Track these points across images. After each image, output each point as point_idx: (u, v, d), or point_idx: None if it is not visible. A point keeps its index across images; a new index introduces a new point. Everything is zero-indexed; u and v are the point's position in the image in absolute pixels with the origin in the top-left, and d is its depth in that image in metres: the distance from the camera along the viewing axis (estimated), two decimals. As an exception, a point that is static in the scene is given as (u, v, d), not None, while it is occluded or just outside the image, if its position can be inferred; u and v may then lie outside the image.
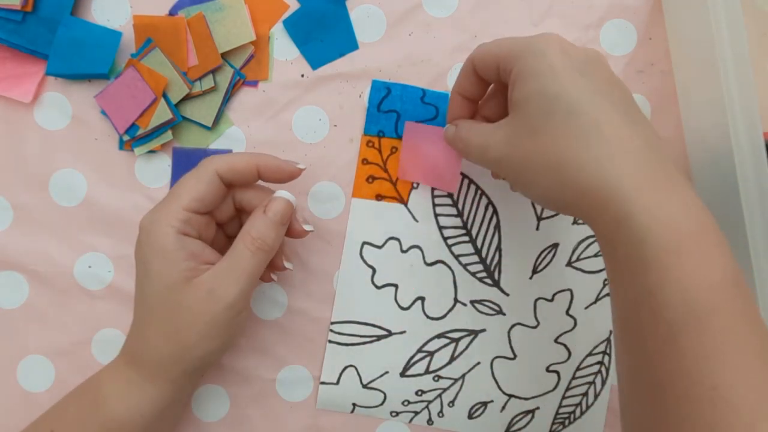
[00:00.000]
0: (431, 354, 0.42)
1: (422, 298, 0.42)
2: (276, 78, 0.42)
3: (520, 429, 0.43)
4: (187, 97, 0.40)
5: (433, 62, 0.42)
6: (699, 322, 0.25)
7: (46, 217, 0.41)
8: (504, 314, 0.42)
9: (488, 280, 0.42)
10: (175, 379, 0.34)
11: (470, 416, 0.42)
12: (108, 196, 0.41)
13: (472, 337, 0.42)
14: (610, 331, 0.42)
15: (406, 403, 0.42)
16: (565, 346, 0.42)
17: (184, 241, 0.33)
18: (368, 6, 0.42)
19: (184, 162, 0.41)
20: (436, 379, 0.42)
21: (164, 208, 0.34)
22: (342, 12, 0.41)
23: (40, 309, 0.42)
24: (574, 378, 0.42)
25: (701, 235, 0.26)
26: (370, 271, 0.42)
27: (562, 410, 0.43)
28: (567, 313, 0.42)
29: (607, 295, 0.42)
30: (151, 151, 0.41)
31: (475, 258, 0.42)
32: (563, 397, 0.42)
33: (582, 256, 0.42)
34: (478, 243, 0.42)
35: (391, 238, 0.42)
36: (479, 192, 0.42)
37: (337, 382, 0.42)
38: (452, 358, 0.42)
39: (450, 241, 0.42)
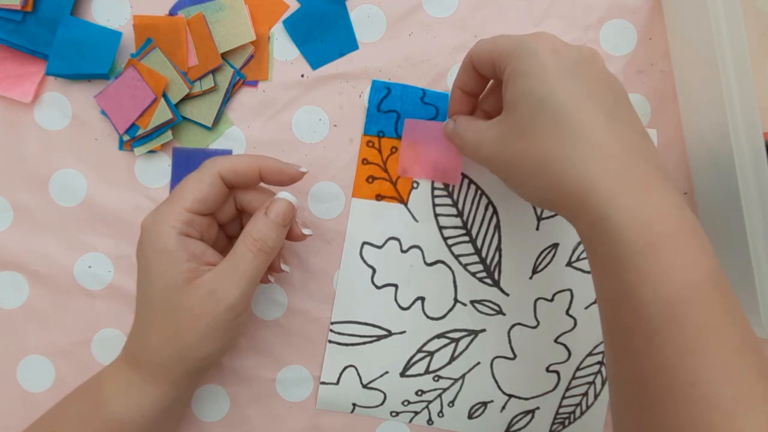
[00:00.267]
0: (431, 354, 0.42)
1: (422, 298, 0.42)
2: (276, 78, 0.42)
3: (520, 429, 0.43)
4: (187, 97, 0.40)
5: (433, 62, 0.42)
6: (675, 320, 0.26)
7: (46, 217, 0.41)
8: (504, 314, 0.42)
9: (488, 280, 0.42)
10: (177, 380, 0.34)
11: (470, 416, 0.42)
12: (108, 196, 0.41)
13: (472, 337, 0.42)
14: (610, 331, 0.42)
15: (406, 403, 0.42)
16: (565, 346, 0.42)
17: (185, 242, 0.34)
18: (368, 6, 0.42)
19: (184, 162, 0.41)
20: (436, 379, 0.42)
21: (166, 209, 0.34)
22: (342, 12, 0.41)
23: (40, 309, 0.42)
24: (574, 378, 0.42)
25: (678, 236, 0.27)
26: (370, 271, 0.42)
27: (562, 410, 0.43)
28: (567, 313, 0.42)
29: (607, 295, 0.42)
30: (151, 151, 0.41)
31: (475, 258, 0.42)
32: (563, 397, 0.42)
33: (582, 256, 0.42)
34: (478, 243, 0.42)
35: (391, 238, 0.42)
36: (479, 192, 0.42)
37: (337, 382, 0.42)
38: (452, 358, 0.42)
39: (450, 241, 0.42)
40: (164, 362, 0.34)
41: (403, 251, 0.42)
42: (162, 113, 0.39)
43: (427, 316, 0.42)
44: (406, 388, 0.42)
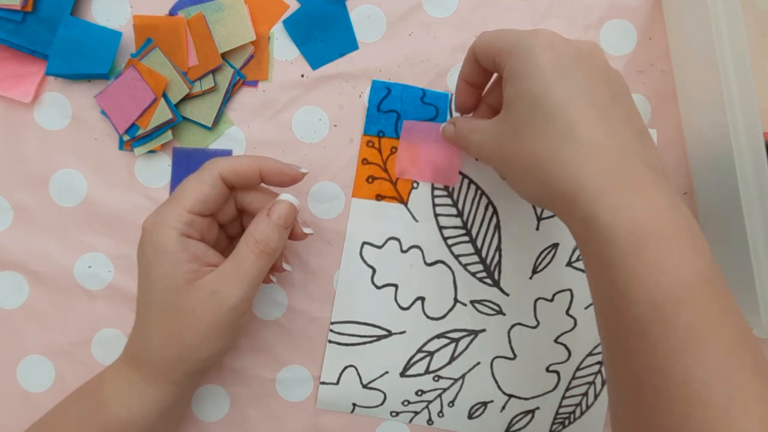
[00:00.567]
0: (431, 354, 0.42)
1: (422, 298, 0.42)
2: (276, 78, 0.42)
3: (520, 429, 0.43)
4: (187, 97, 0.40)
5: (433, 62, 0.42)
6: (666, 319, 0.26)
7: (46, 217, 0.41)
8: (504, 314, 0.42)
9: (488, 280, 0.42)
10: (178, 381, 0.34)
11: (470, 416, 0.42)
12: (108, 196, 0.41)
13: (472, 337, 0.42)
14: (610, 331, 0.42)
15: (406, 403, 0.42)
16: (565, 346, 0.42)
17: (186, 243, 0.34)
18: (368, 6, 0.42)
19: (184, 162, 0.41)
20: (436, 379, 0.42)
21: (167, 210, 0.34)
22: (342, 12, 0.41)
23: (40, 309, 0.42)
24: (574, 378, 0.42)
25: (668, 235, 0.27)
26: (370, 271, 0.42)
27: (562, 410, 0.43)
28: (567, 313, 0.42)
29: (607, 295, 0.42)
30: (151, 151, 0.41)
31: (475, 258, 0.42)
32: (563, 397, 0.42)
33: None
34: (478, 243, 0.42)
35: (391, 238, 0.42)
36: (479, 192, 0.42)
37: (337, 382, 0.42)
38: (452, 358, 0.42)
39: (450, 241, 0.42)
40: (165, 363, 0.34)
41: (403, 251, 0.42)
42: (162, 113, 0.39)
43: (427, 316, 0.42)
44: (406, 388, 0.42)
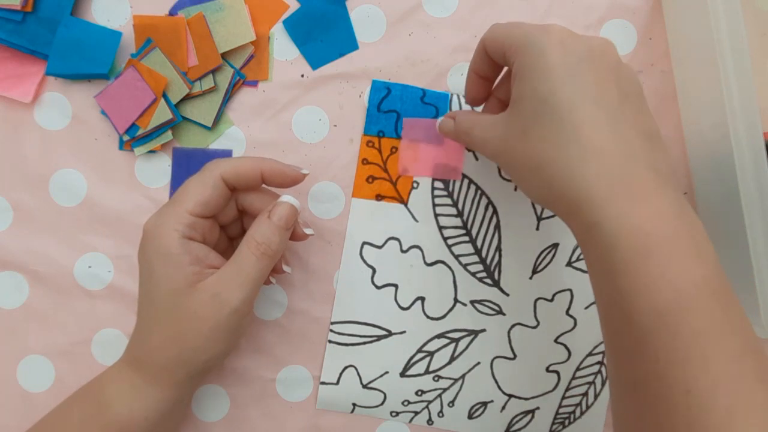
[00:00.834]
0: (431, 354, 0.42)
1: (422, 298, 0.42)
2: (276, 78, 0.42)
3: (520, 429, 0.43)
4: (187, 97, 0.40)
5: (433, 62, 0.42)
6: (668, 327, 0.26)
7: (46, 217, 0.41)
8: (504, 314, 0.42)
9: (488, 280, 0.42)
10: (179, 382, 0.34)
11: (470, 416, 0.42)
12: (108, 196, 0.41)
13: (472, 337, 0.42)
14: (610, 331, 0.42)
15: (406, 403, 0.42)
16: (565, 346, 0.42)
17: (188, 245, 0.34)
18: (368, 6, 0.42)
19: (184, 162, 0.41)
20: (436, 379, 0.42)
21: (169, 212, 0.34)
22: (342, 12, 0.41)
23: (40, 309, 0.42)
24: (574, 378, 0.42)
25: (671, 243, 0.27)
26: (370, 271, 0.42)
27: (562, 410, 0.43)
28: (567, 313, 0.42)
29: (607, 295, 0.42)
30: (151, 151, 0.41)
31: (475, 258, 0.42)
32: (563, 397, 0.42)
33: (582, 257, 0.42)
34: (478, 243, 0.42)
35: (391, 238, 0.42)
36: (479, 192, 0.42)
37: (337, 382, 0.42)
38: (452, 358, 0.42)
39: (450, 241, 0.42)
40: (167, 364, 0.34)
41: (403, 251, 0.42)
42: (162, 113, 0.39)
43: (427, 316, 0.42)
44: (406, 388, 0.42)
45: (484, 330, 0.42)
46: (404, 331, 0.42)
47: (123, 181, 0.41)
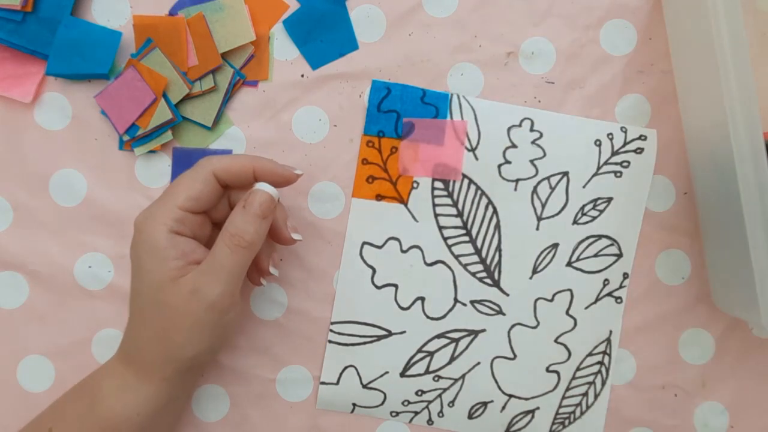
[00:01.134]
0: (431, 354, 0.42)
1: (422, 298, 0.42)
2: (276, 78, 0.42)
3: (520, 429, 0.43)
4: (187, 97, 0.40)
5: (433, 62, 0.42)
6: None
7: (46, 217, 0.41)
8: (504, 314, 0.42)
9: (488, 280, 0.42)
10: (170, 378, 0.34)
11: (470, 416, 0.42)
12: (108, 196, 0.41)
13: (472, 337, 0.42)
14: (611, 331, 0.42)
15: (406, 403, 0.42)
16: (565, 346, 0.42)
17: (176, 239, 0.33)
18: (368, 6, 0.42)
19: (184, 162, 0.41)
20: (436, 379, 0.42)
21: (159, 207, 0.34)
22: (342, 12, 0.41)
23: (40, 309, 0.42)
24: (574, 378, 0.42)
25: None
26: (370, 271, 0.42)
27: (562, 410, 0.43)
28: (567, 313, 0.42)
29: (607, 295, 0.42)
30: (151, 151, 0.41)
31: (475, 258, 0.42)
32: (563, 397, 0.42)
33: (582, 256, 0.42)
34: (478, 243, 0.42)
35: (391, 238, 0.42)
36: (479, 192, 0.42)
37: (337, 382, 0.42)
38: (452, 358, 0.42)
39: (450, 241, 0.42)
40: (154, 361, 0.34)
41: (403, 251, 0.42)
42: (162, 113, 0.39)
43: (427, 316, 0.42)
44: (406, 388, 0.42)
45: (484, 330, 0.42)
46: (404, 331, 0.42)
47: (123, 181, 0.41)
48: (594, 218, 0.42)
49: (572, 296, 0.42)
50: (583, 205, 0.42)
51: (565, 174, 0.42)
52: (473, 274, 0.42)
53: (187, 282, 0.33)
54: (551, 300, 0.42)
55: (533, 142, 0.42)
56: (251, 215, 0.34)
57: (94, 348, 0.42)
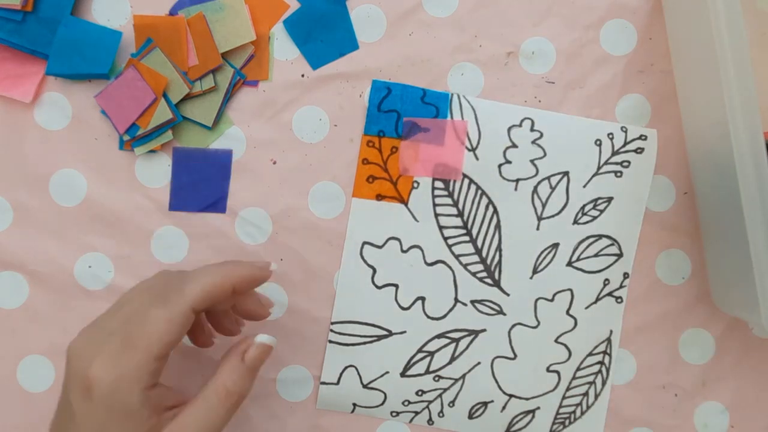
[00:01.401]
0: (431, 354, 0.42)
1: (422, 298, 0.42)
2: (276, 78, 0.42)
3: (520, 429, 0.43)
4: (187, 97, 0.40)
5: (433, 62, 0.42)
6: None
7: (46, 217, 0.41)
8: (504, 314, 0.42)
9: (488, 280, 0.42)
10: None
11: (470, 416, 0.42)
12: (108, 196, 0.41)
13: (472, 337, 0.42)
14: (611, 331, 0.42)
15: (406, 403, 0.42)
16: (565, 346, 0.42)
17: (149, 396, 0.28)
18: (368, 6, 0.42)
19: (185, 162, 0.41)
20: (436, 379, 0.42)
21: (129, 358, 0.28)
22: (342, 12, 0.41)
23: (40, 309, 0.42)
24: (574, 378, 0.42)
25: None
26: (371, 271, 0.42)
27: (562, 410, 0.43)
28: (567, 313, 0.42)
29: (608, 294, 0.42)
30: (152, 151, 0.41)
31: (476, 258, 0.42)
32: (563, 397, 0.42)
33: (582, 256, 0.42)
34: (479, 243, 0.42)
35: (391, 238, 0.42)
36: (479, 192, 0.42)
37: (338, 382, 0.42)
38: (452, 358, 0.42)
39: (450, 241, 0.42)
40: None
41: (403, 251, 0.42)
42: (162, 113, 0.39)
43: (428, 316, 0.42)
44: (406, 388, 0.42)
45: (484, 330, 0.42)
46: (404, 331, 0.42)
47: (123, 181, 0.41)
48: (594, 218, 0.42)
49: (572, 296, 0.42)
50: (584, 205, 0.42)
51: (566, 174, 0.42)
52: (473, 274, 0.42)
53: None
54: (551, 300, 0.42)
55: (533, 142, 0.42)
56: (251, 369, 0.30)
57: (94, 348, 0.42)
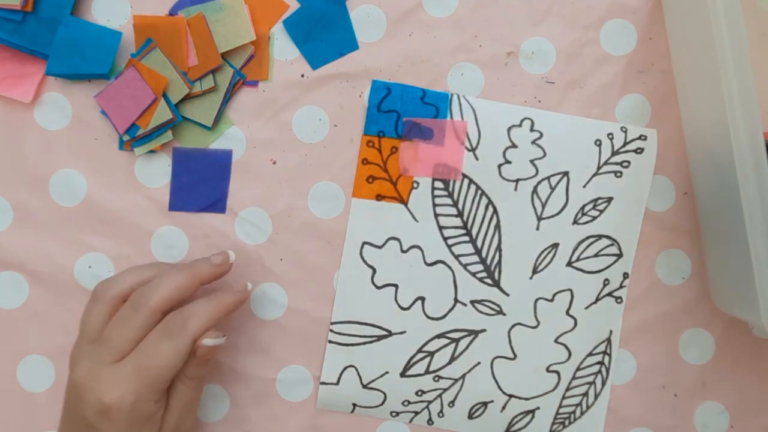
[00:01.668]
0: (431, 354, 0.42)
1: (422, 298, 0.42)
2: (276, 78, 0.42)
3: (520, 429, 0.43)
4: (187, 97, 0.40)
5: (433, 62, 0.42)
6: None
7: (46, 217, 0.41)
8: (504, 314, 0.42)
9: (488, 280, 0.42)
10: None
11: (470, 416, 0.42)
12: (108, 196, 0.41)
13: (472, 337, 0.42)
14: (611, 331, 0.42)
15: (406, 403, 0.42)
16: (565, 346, 0.42)
17: (160, 403, 0.35)
18: (368, 6, 0.42)
19: (185, 162, 0.41)
20: (436, 379, 0.42)
21: (145, 385, 0.34)
22: (342, 12, 0.41)
23: (40, 309, 0.42)
24: (574, 378, 0.42)
25: None
26: (370, 271, 0.42)
27: (562, 410, 0.43)
28: (567, 313, 0.42)
29: (607, 295, 0.42)
30: (151, 151, 0.41)
31: (475, 258, 0.42)
32: (563, 397, 0.42)
33: (582, 256, 0.42)
34: (478, 243, 0.42)
35: (391, 238, 0.42)
36: (479, 192, 0.42)
37: (337, 382, 0.42)
38: (452, 358, 0.42)
39: (450, 241, 0.42)
40: None
41: (403, 251, 0.42)
42: (162, 113, 0.39)
43: (427, 316, 0.42)
44: (406, 388, 0.42)
45: (484, 330, 0.42)
46: (404, 331, 0.42)
47: (123, 181, 0.41)
48: (594, 218, 0.42)
49: (572, 296, 0.42)
50: (584, 205, 0.42)
51: (565, 174, 0.42)
52: (473, 274, 0.42)
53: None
54: (551, 300, 0.42)
55: (533, 142, 0.42)
56: (202, 362, 0.36)
57: (94, 348, 0.42)
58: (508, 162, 0.42)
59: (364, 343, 0.42)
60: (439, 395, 0.42)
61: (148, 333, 0.34)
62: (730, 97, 0.33)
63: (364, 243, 0.42)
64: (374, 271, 0.42)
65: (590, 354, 0.42)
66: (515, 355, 0.42)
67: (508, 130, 0.42)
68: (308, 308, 0.42)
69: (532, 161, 0.42)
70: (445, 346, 0.42)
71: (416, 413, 0.42)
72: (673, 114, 0.42)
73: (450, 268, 0.42)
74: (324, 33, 0.41)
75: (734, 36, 0.33)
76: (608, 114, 0.42)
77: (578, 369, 0.42)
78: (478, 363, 0.42)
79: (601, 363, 0.42)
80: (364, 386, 0.42)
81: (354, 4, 0.42)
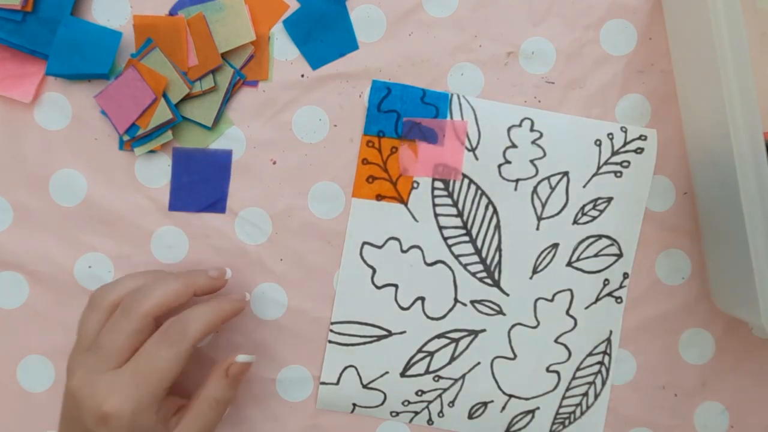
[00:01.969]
0: (431, 354, 0.42)
1: (422, 298, 0.42)
2: (276, 78, 0.42)
3: (520, 429, 0.43)
4: (187, 97, 0.40)
5: (433, 62, 0.42)
6: None
7: (46, 217, 0.41)
8: (504, 314, 0.42)
9: (488, 280, 0.42)
10: None
11: (470, 416, 0.42)
12: (108, 196, 0.41)
13: (472, 337, 0.42)
14: (611, 331, 0.42)
15: (406, 403, 0.42)
16: (565, 346, 0.42)
17: (160, 414, 0.34)
18: (368, 6, 0.42)
19: (185, 162, 0.41)
20: (436, 379, 0.42)
21: (144, 392, 0.33)
22: (342, 12, 0.41)
23: (40, 309, 0.42)
24: (574, 378, 0.42)
25: None
26: (370, 271, 0.42)
27: (562, 410, 0.43)
28: (567, 313, 0.42)
29: (607, 295, 0.42)
30: (151, 151, 0.41)
31: (475, 258, 0.42)
32: (563, 397, 0.42)
33: (582, 256, 0.42)
34: (478, 243, 0.42)
35: (391, 238, 0.42)
36: (479, 192, 0.42)
37: (337, 382, 0.42)
38: (452, 358, 0.42)
39: (450, 241, 0.42)
40: None
41: (403, 251, 0.42)
42: (162, 113, 0.39)
43: (427, 316, 0.42)
44: (406, 388, 0.42)
45: (484, 330, 0.42)
46: (404, 331, 0.42)
47: (123, 181, 0.41)
48: (594, 218, 0.42)
49: (572, 296, 0.42)
50: (583, 205, 0.42)
51: (565, 174, 0.42)
52: (473, 274, 0.42)
53: None
54: (551, 300, 0.42)
55: (533, 142, 0.42)
56: (234, 382, 0.36)
57: (94, 348, 0.42)
58: (508, 162, 0.42)
59: (364, 343, 0.42)
60: (439, 395, 0.42)
61: (140, 338, 0.34)
62: (730, 97, 0.33)
63: (364, 243, 0.42)
64: (374, 271, 0.42)
65: (590, 354, 0.42)
66: (515, 355, 0.42)
67: (508, 130, 0.42)
68: (308, 308, 0.42)
69: (532, 161, 0.42)
70: (445, 346, 0.42)
71: (416, 413, 0.42)
72: (673, 114, 0.42)
73: (450, 268, 0.42)
74: (324, 33, 0.41)
75: (734, 36, 0.33)
76: (608, 114, 0.42)
77: (578, 369, 0.42)
78: (478, 363, 0.42)
79: (601, 363, 0.42)
80: (364, 386, 0.42)
81: (354, 4, 0.42)
